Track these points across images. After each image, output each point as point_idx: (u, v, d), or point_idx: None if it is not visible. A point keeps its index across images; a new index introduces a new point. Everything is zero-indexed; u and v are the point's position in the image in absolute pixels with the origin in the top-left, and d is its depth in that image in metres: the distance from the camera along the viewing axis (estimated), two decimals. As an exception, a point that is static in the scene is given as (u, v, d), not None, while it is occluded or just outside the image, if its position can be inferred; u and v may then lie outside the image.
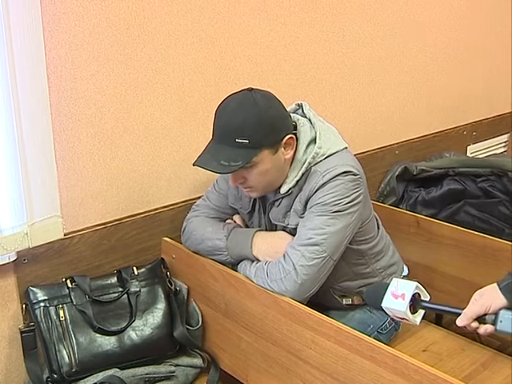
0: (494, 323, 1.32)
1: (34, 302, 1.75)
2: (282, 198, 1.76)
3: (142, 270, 1.90)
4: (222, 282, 1.81)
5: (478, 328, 1.35)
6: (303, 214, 1.72)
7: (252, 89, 1.67)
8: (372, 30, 2.61)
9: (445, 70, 3.03)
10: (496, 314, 1.32)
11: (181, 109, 2.04)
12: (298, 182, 1.72)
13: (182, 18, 1.97)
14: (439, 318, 2.07)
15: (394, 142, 2.81)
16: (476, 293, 1.39)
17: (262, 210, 1.85)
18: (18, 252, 1.75)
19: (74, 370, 1.72)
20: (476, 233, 2.05)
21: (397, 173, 2.69)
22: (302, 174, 1.71)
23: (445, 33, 2.97)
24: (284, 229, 1.79)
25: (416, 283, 1.45)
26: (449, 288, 2.11)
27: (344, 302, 1.87)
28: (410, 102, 2.89)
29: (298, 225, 1.72)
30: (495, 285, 1.36)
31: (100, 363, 1.75)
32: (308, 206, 1.70)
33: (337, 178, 1.67)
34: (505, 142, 3.54)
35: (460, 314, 1.36)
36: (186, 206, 2.05)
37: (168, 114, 2.02)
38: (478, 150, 3.30)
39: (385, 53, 2.69)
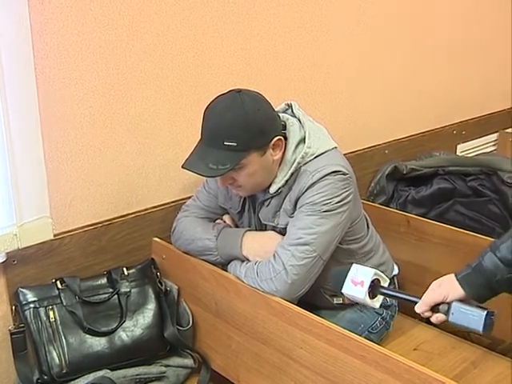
0: (446, 313, 1.37)
1: (24, 303, 1.74)
2: (272, 197, 1.76)
3: (132, 270, 1.89)
4: (212, 282, 1.81)
5: (430, 316, 1.40)
6: (293, 213, 1.72)
7: (240, 90, 1.66)
8: (361, 29, 2.61)
9: (434, 70, 3.03)
10: (449, 305, 1.35)
11: (170, 109, 2.04)
12: (287, 181, 1.72)
13: (171, 19, 1.97)
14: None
15: (383, 141, 2.82)
16: (434, 282, 1.43)
17: (252, 210, 1.85)
18: (7, 253, 1.74)
19: (64, 372, 1.71)
20: (466, 232, 2.06)
21: (387, 172, 2.70)
22: (292, 174, 1.71)
23: (435, 32, 2.98)
24: (274, 229, 1.79)
25: (374, 270, 1.49)
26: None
27: (334, 302, 1.87)
28: (399, 101, 2.89)
29: (287, 224, 1.72)
30: (453, 275, 1.39)
31: (90, 364, 1.74)
32: (298, 206, 1.70)
33: (326, 177, 1.67)
34: (494, 140, 3.55)
35: (417, 303, 1.41)
36: (176, 206, 2.05)
37: (157, 115, 2.01)
38: (467, 149, 3.31)
39: (373, 52, 2.70)
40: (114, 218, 1.98)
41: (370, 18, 2.64)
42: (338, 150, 1.78)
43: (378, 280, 1.50)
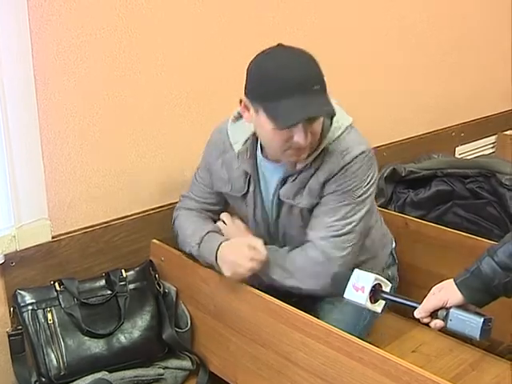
0: (444, 320, 1.37)
1: (22, 305, 1.74)
2: (299, 174, 1.69)
3: (131, 272, 1.89)
4: (211, 285, 1.80)
5: (429, 322, 1.40)
6: (319, 195, 1.69)
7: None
8: (360, 33, 2.61)
9: (433, 72, 3.03)
10: (447, 311, 1.35)
11: (170, 111, 2.04)
12: (315, 158, 1.66)
13: (170, 23, 1.97)
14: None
15: (382, 143, 2.82)
16: (434, 287, 1.43)
17: (259, 190, 1.79)
18: (5, 255, 1.75)
19: (62, 374, 1.71)
20: (465, 234, 2.06)
21: (385, 174, 2.69)
22: (321, 151, 1.66)
23: (433, 34, 2.98)
24: (291, 208, 1.75)
25: (375, 275, 1.50)
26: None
27: None
28: (398, 103, 2.89)
29: (309, 206, 1.70)
30: (452, 280, 1.39)
31: (88, 366, 1.74)
32: (327, 189, 1.68)
33: (355, 160, 1.65)
34: (493, 143, 3.55)
35: (416, 308, 1.41)
36: (174, 207, 2.05)
37: (157, 117, 2.01)
38: (466, 151, 3.32)
39: (372, 55, 2.70)
40: (113, 220, 1.98)
41: (370, 21, 2.64)
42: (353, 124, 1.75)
43: (380, 285, 1.50)
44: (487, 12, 3.27)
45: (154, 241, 2.01)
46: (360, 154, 1.66)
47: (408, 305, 1.47)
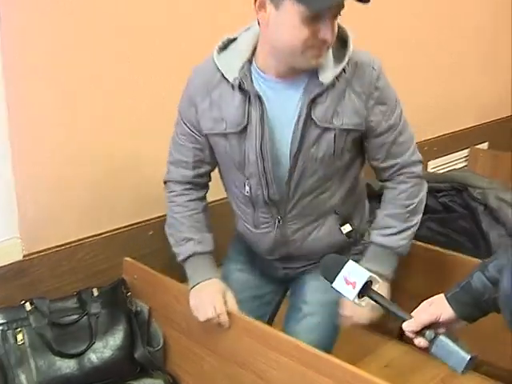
0: (430, 342, 1.32)
1: (-8, 325, 1.72)
2: (327, 90, 1.54)
3: (102, 291, 1.87)
4: (183, 303, 1.78)
5: (414, 338, 1.35)
6: (364, 112, 1.59)
7: None
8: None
9: (405, 86, 3.05)
10: (436, 335, 1.32)
11: (141, 130, 2.03)
12: (344, 70, 1.54)
13: (157, 27, 1.98)
14: (402, 334, 2.08)
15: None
16: (425, 301, 1.39)
17: (261, 122, 1.57)
18: (-25, 274, 1.73)
19: (32, 395, 1.69)
20: (437, 248, 2.08)
21: (359, 189, 2.70)
22: (347, 62, 1.55)
23: (405, 48, 3.01)
24: (321, 134, 1.57)
25: (369, 273, 1.44)
26: (410, 304, 2.12)
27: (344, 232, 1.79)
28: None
29: (355, 125, 1.59)
30: (442, 295, 1.38)
31: (60, 387, 1.72)
32: (374, 109, 1.60)
33: (381, 73, 1.61)
34: (465, 156, 3.60)
35: (405, 320, 1.36)
36: (147, 225, 2.06)
37: (128, 137, 2.01)
38: (438, 165, 3.35)
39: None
40: (84, 239, 1.96)
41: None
42: None
43: (371, 282, 1.44)
44: (456, 33, 3.32)
45: (127, 259, 2.00)
46: (379, 64, 1.61)
47: (397, 314, 1.40)
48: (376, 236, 1.75)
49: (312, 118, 1.55)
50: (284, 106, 1.58)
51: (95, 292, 1.86)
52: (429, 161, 3.27)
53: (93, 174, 1.95)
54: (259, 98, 1.56)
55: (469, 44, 3.48)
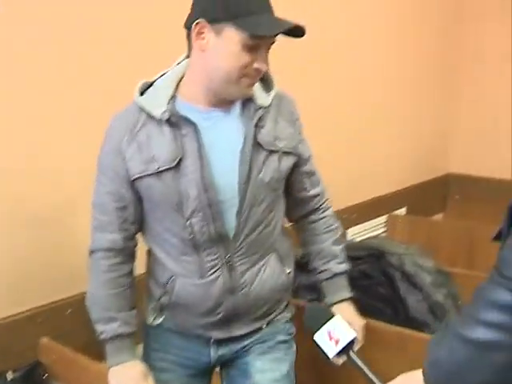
0: None
1: None
2: (265, 114, 1.62)
3: (18, 374, 1.82)
4: (105, 383, 1.75)
5: None
6: (296, 137, 1.71)
7: None
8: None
9: (321, 156, 3.13)
10: None
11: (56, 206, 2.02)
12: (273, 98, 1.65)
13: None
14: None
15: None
16: (400, 375, 1.32)
17: (199, 154, 1.54)
18: None
19: None
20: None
21: (280, 258, 2.73)
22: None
23: (325, 115, 3.06)
24: (277, 153, 1.63)
25: (355, 334, 1.44)
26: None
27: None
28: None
29: (293, 148, 1.68)
30: (420, 371, 1.28)
31: None
32: (299, 137, 1.73)
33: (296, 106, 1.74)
34: (384, 222, 3.67)
35: None
36: (65, 303, 2.02)
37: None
38: (357, 232, 3.40)
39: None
40: (0, 319, 1.91)
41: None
42: None
43: (353, 342, 1.45)
44: (371, 97, 3.45)
45: (44, 339, 1.94)
46: None
47: (371, 380, 1.38)
48: (337, 265, 1.87)
49: (258, 142, 1.58)
50: (223, 134, 1.59)
51: (11, 375, 1.81)
52: (348, 228, 3.30)
53: (4, 257, 1.91)
54: (194, 127, 1.54)
55: (391, 108, 3.61)
